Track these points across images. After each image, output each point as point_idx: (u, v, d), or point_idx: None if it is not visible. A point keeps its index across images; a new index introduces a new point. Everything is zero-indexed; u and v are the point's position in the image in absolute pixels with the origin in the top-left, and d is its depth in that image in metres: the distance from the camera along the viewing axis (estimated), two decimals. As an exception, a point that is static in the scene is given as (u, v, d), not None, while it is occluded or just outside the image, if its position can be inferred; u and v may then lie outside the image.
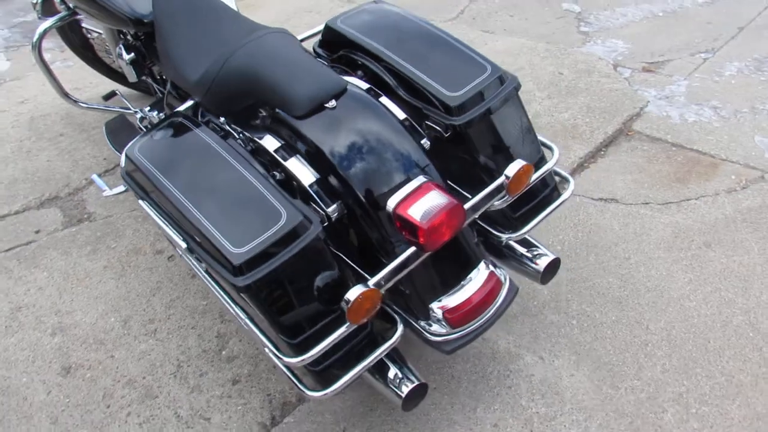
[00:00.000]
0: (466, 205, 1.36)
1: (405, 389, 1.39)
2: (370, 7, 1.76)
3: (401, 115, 1.50)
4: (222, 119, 1.61)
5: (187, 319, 1.93)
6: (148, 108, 2.16)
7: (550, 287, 1.97)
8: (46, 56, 2.42)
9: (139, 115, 2.20)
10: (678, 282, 1.96)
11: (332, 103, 1.41)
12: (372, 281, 1.28)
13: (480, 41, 3.53)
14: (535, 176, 1.52)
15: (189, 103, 1.69)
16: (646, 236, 2.14)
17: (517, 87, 1.53)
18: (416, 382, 1.40)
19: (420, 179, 1.36)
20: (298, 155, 1.43)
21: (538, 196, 1.60)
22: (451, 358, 1.78)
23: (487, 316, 1.45)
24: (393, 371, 1.44)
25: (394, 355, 1.46)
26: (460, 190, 1.54)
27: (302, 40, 1.84)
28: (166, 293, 2.01)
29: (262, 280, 1.23)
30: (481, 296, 1.42)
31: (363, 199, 1.36)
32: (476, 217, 1.43)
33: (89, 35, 2.72)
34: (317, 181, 1.40)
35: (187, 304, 1.97)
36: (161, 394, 1.73)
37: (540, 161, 1.58)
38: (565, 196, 1.61)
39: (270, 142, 1.47)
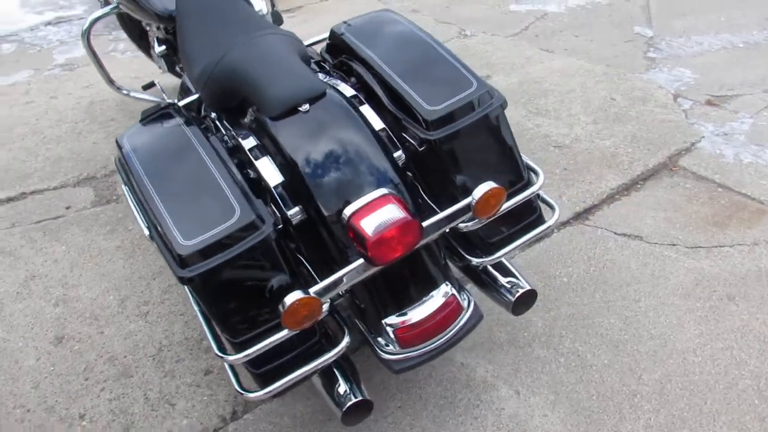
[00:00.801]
0: (426, 223, 1.31)
1: (347, 403, 1.36)
2: (376, 15, 1.74)
3: (379, 125, 1.47)
4: (213, 114, 1.64)
5: (178, 306, 1.98)
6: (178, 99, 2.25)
7: (546, 320, 1.87)
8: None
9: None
10: (687, 333, 1.80)
11: (305, 106, 1.40)
12: (313, 289, 1.25)
13: (536, 59, 3.43)
14: (513, 201, 1.44)
15: (193, 97, 1.74)
16: (663, 280, 1.98)
17: (503, 105, 1.46)
18: (359, 398, 1.36)
19: (380, 191, 1.32)
20: (269, 156, 1.44)
21: (520, 222, 1.52)
22: (423, 379, 1.73)
23: (442, 340, 1.39)
24: (341, 383, 1.41)
25: (346, 368, 1.43)
26: (434, 206, 1.49)
27: (310, 45, 1.85)
28: (165, 279, 2.08)
29: (205, 274, 1.24)
30: (435, 319, 1.37)
31: (320, 206, 1.34)
32: (436, 236, 1.37)
33: (148, 27, 2.86)
34: (282, 183, 1.40)
35: (181, 291, 2.02)
36: (137, 374, 1.79)
37: (524, 185, 1.50)
38: (547, 224, 1.52)
39: (249, 141, 1.48)
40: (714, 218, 2.23)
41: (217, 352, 1.31)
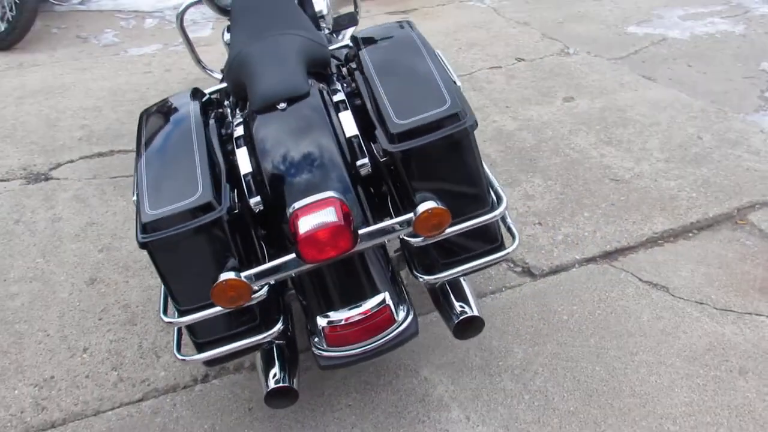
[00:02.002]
0: (362, 231, 1.35)
1: (271, 386, 1.44)
2: (390, 25, 1.78)
3: (352, 132, 1.51)
4: (227, 102, 1.78)
5: (195, 271, 2.17)
6: None
7: (527, 354, 1.80)
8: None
9: None
10: (675, 399, 1.65)
11: (282, 105, 1.49)
12: (244, 273, 1.34)
13: (631, 86, 3.22)
14: (465, 225, 1.43)
15: (222, 85, 1.90)
16: (673, 338, 1.82)
17: (472, 127, 1.44)
18: (283, 385, 1.43)
19: (327, 194, 1.37)
20: (247, 146, 1.54)
21: (476, 247, 1.49)
22: (381, 385, 1.75)
23: (368, 346, 1.41)
24: (276, 367, 1.49)
25: (286, 355, 1.51)
26: (393, 216, 1.51)
27: (335, 49, 1.92)
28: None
29: (158, 242, 1.36)
30: (362, 324, 1.39)
31: (274, 199, 1.43)
32: (370, 245, 1.39)
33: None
34: (251, 173, 1.49)
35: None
36: (140, 324, 2.00)
37: (485, 210, 1.47)
38: (501, 253, 1.48)
39: (238, 130, 1.60)
40: (763, 283, 2.00)
41: (161, 314, 1.44)
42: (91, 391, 1.79)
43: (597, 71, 3.42)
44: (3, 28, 4.06)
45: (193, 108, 1.63)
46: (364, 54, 1.66)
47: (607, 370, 1.74)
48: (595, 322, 1.90)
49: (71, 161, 2.90)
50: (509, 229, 1.54)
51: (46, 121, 3.27)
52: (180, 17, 2.72)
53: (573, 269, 2.10)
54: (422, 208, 1.34)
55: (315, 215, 1.32)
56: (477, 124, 1.44)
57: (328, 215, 1.31)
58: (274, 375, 1.47)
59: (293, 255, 1.34)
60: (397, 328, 1.43)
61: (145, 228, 1.37)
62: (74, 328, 2.00)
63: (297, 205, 1.37)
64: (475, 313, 1.48)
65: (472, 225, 1.43)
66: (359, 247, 1.36)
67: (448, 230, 1.41)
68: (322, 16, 2.32)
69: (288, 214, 1.37)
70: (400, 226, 1.37)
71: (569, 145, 2.76)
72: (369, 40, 1.73)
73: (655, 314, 1.90)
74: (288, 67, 1.56)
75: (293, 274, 1.40)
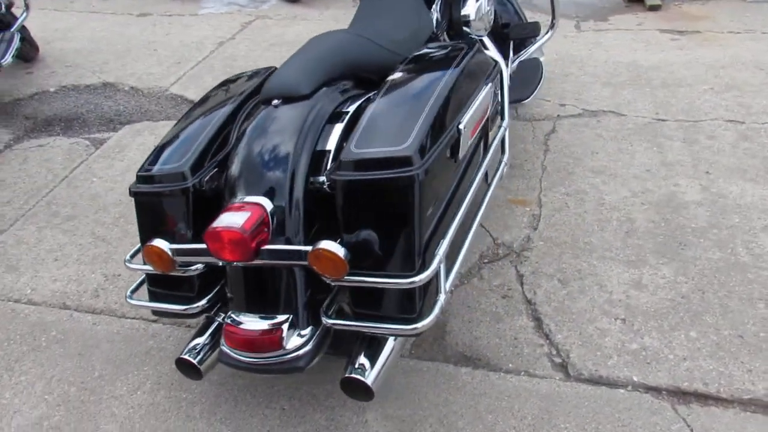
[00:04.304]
0: (265, 247, 1.30)
1: (180, 354, 1.51)
2: (453, 46, 1.60)
3: (329, 146, 1.43)
4: None
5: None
6: None
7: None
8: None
9: None
10: None
11: (275, 102, 1.49)
12: (167, 245, 1.42)
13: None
14: (371, 280, 1.26)
15: None
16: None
17: (417, 177, 1.22)
18: (188, 358, 1.49)
19: (259, 199, 1.35)
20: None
21: (387, 311, 1.30)
22: (324, 405, 1.67)
23: (249, 360, 1.39)
24: (200, 339, 1.55)
25: (212, 331, 1.55)
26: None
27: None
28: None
29: (135, 194, 1.52)
30: (248, 336, 1.36)
31: (224, 185, 1.45)
32: (271, 264, 1.32)
33: None
34: (227, 153, 1.53)
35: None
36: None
37: (407, 274, 1.25)
38: (403, 328, 1.26)
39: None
40: None
41: (126, 257, 1.61)
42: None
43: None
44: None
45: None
46: (392, 74, 1.54)
47: None
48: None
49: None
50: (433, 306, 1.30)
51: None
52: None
53: (620, 390, 1.66)
54: (319, 245, 1.24)
55: (232, 214, 1.32)
56: (423, 176, 1.23)
57: (238, 218, 1.30)
58: (195, 346, 1.54)
59: (204, 244, 1.37)
60: (283, 355, 1.36)
61: (136, 178, 1.54)
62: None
63: (231, 201, 1.38)
64: (365, 379, 1.31)
65: (379, 284, 1.26)
66: (260, 262, 1.32)
67: (352, 279, 1.27)
68: (468, 22, 2.15)
69: (223, 206, 1.40)
70: (298, 256, 1.28)
71: (748, 244, 2.10)
72: (409, 62, 1.60)
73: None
74: (302, 66, 1.53)
75: (206, 263, 1.43)
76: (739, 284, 1.95)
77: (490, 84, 1.59)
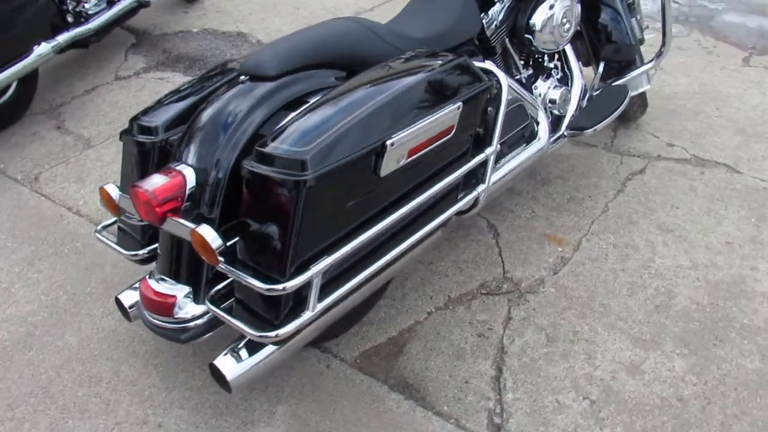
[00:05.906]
0: (170, 217, 1.31)
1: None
2: (437, 54, 1.47)
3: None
4: None
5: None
6: None
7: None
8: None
9: None
10: None
11: (242, 78, 1.48)
12: (116, 191, 1.50)
13: None
14: (238, 274, 1.23)
15: None
16: None
17: (305, 184, 1.14)
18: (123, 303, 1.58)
19: (185, 169, 1.36)
20: None
21: (251, 307, 1.27)
22: (279, 393, 1.68)
23: (147, 318, 1.43)
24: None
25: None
26: None
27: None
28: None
29: (122, 139, 1.62)
30: (150, 295, 1.40)
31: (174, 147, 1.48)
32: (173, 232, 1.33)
33: None
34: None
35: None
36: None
37: (275, 280, 1.20)
38: (252, 333, 1.22)
39: None
40: None
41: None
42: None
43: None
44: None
45: None
46: (367, 70, 1.46)
47: None
48: None
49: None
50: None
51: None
52: None
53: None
54: (197, 228, 1.23)
55: (157, 176, 1.36)
56: (311, 182, 1.16)
57: (155, 181, 1.34)
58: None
59: None
60: (168, 323, 1.39)
61: None
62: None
63: (171, 163, 1.41)
64: (224, 372, 1.30)
65: (243, 281, 1.22)
66: (166, 228, 1.34)
67: (225, 268, 1.25)
68: (532, 32, 1.94)
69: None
70: (186, 233, 1.28)
71: (804, 363, 1.68)
72: (395, 62, 1.51)
73: None
74: (283, 48, 1.50)
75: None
76: (762, 408, 1.58)
77: (459, 104, 1.42)
